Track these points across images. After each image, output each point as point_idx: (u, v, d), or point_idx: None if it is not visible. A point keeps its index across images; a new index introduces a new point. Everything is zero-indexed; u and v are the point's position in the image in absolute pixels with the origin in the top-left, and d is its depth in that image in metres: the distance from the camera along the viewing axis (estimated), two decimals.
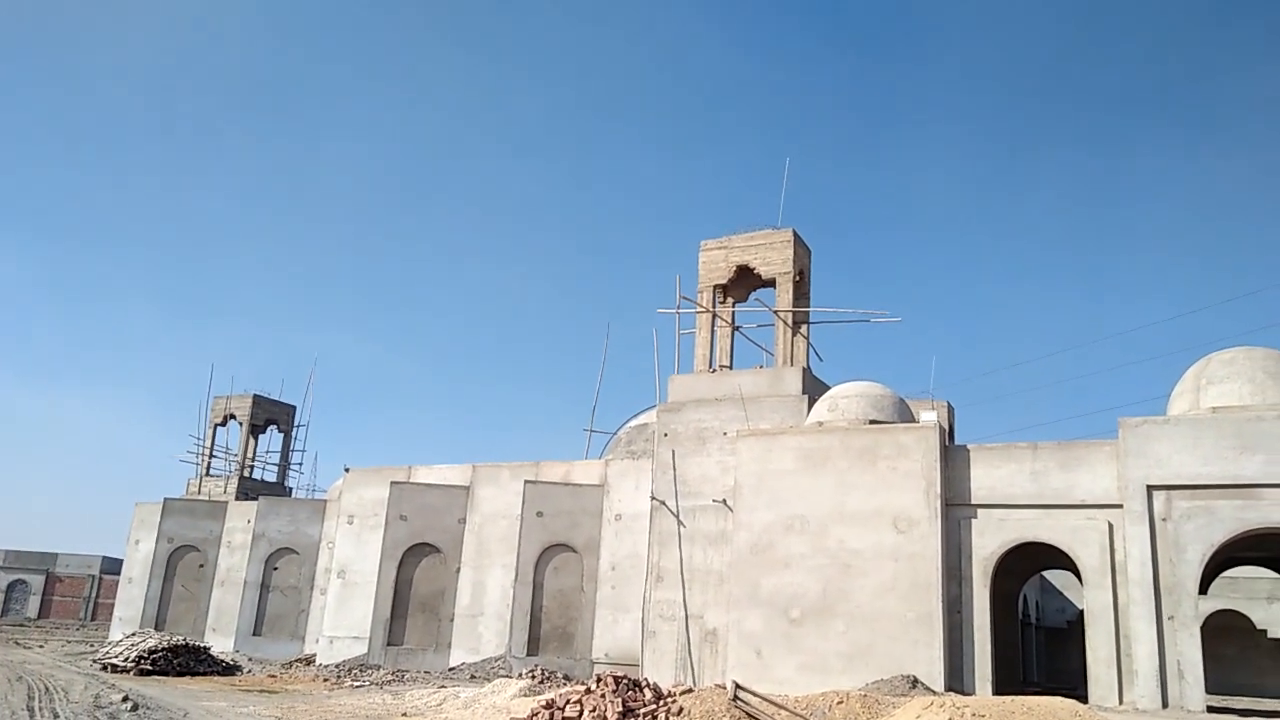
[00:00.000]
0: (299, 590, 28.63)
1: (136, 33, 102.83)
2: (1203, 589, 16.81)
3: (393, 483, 25.25)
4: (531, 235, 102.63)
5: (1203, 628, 16.34)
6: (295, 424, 40.27)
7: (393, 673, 22.62)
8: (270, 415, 39.90)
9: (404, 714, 16.06)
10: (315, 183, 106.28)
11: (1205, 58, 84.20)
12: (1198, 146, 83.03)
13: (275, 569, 28.95)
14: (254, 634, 28.38)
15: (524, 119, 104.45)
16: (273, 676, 23.01)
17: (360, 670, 22.88)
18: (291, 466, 40.08)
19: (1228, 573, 25.37)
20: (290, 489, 39.54)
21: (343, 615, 25.25)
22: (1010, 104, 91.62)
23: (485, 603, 24.03)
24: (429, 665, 23.59)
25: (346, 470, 27.43)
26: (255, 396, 39.20)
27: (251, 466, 39.24)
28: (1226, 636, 30.32)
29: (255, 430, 39.56)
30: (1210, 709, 16.16)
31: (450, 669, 23.26)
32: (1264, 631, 31.92)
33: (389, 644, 24.01)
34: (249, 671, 24.05)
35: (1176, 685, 15.99)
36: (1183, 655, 16.07)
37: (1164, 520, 16.70)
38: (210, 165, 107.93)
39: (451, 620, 24.26)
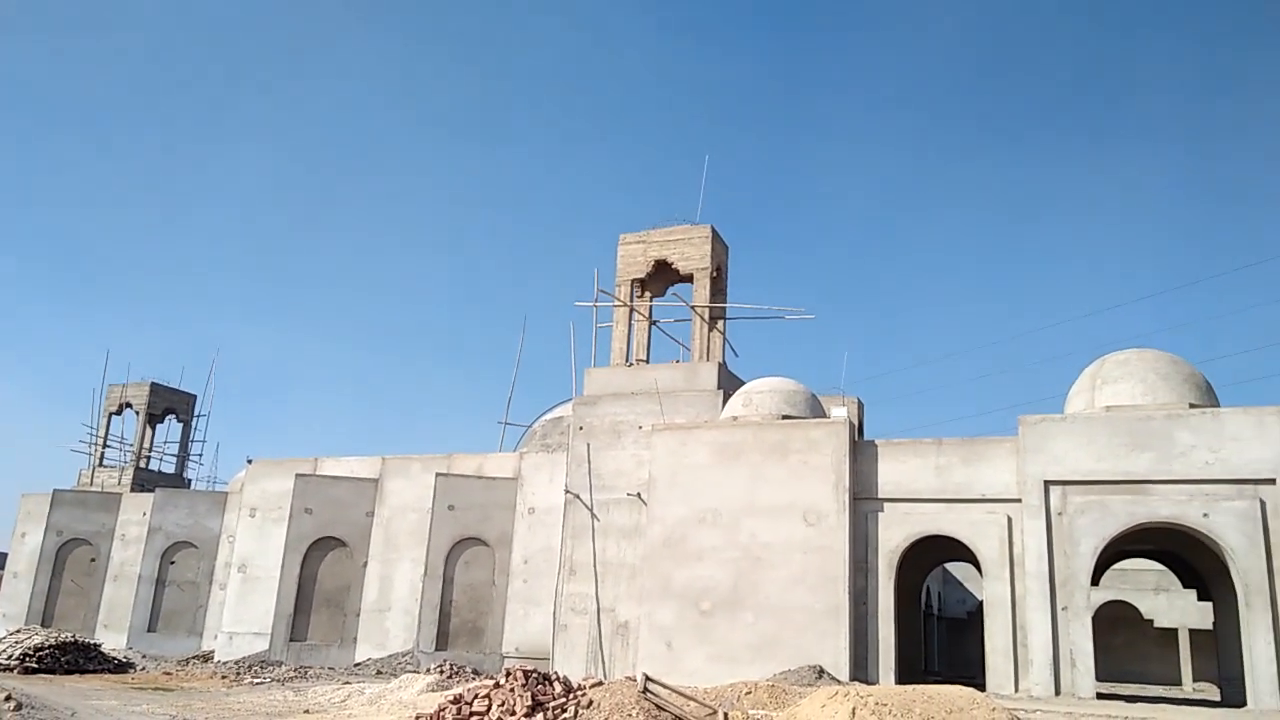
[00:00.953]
0: (197, 585, 27.65)
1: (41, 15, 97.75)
2: (1094, 581, 17.48)
3: (298, 475, 24.58)
4: (446, 223, 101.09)
5: (1094, 618, 17.00)
6: (195, 413, 38.86)
7: (295, 669, 22.04)
8: (169, 404, 38.43)
9: (306, 711, 15.65)
10: (216, 164, 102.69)
11: (1108, 69, 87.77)
12: (1098, 154, 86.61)
13: (172, 563, 27.89)
14: (149, 630, 27.30)
15: (440, 105, 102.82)
16: (168, 674, 22.18)
17: (261, 667, 22.23)
18: (191, 457, 38.68)
19: (1118, 565, 26.47)
20: (189, 481, 38.17)
21: (243, 610, 24.49)
22: (924, 107, 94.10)
23: (393, 597, 23.60)
24: (334, 661, 23.07)
25: (249, 462, 26.62)
26: (153, 384, 37.70)
27: (148, 457, 37.73)
28: (1116, 626, 31.72)
29: (153, 419, 38.07)
30: (1100, 695, 16.85)
31: (356, 665, 22.78)
32: (1151, 621, 33.50)
33: (292, 640, 23.39)
34: (143, 669, 23.15)
35: (1069, 673, 16.62)
36: (1075, 644, 16.71)
37: (1060, 514, 17.33)
38: (103, 146, 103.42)
39: (358, 615, 23.75)
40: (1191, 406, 17.28)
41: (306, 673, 21.70)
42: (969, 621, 33.65)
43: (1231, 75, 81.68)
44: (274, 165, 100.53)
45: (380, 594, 23.77)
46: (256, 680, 20.45)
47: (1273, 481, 16.15)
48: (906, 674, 18.86)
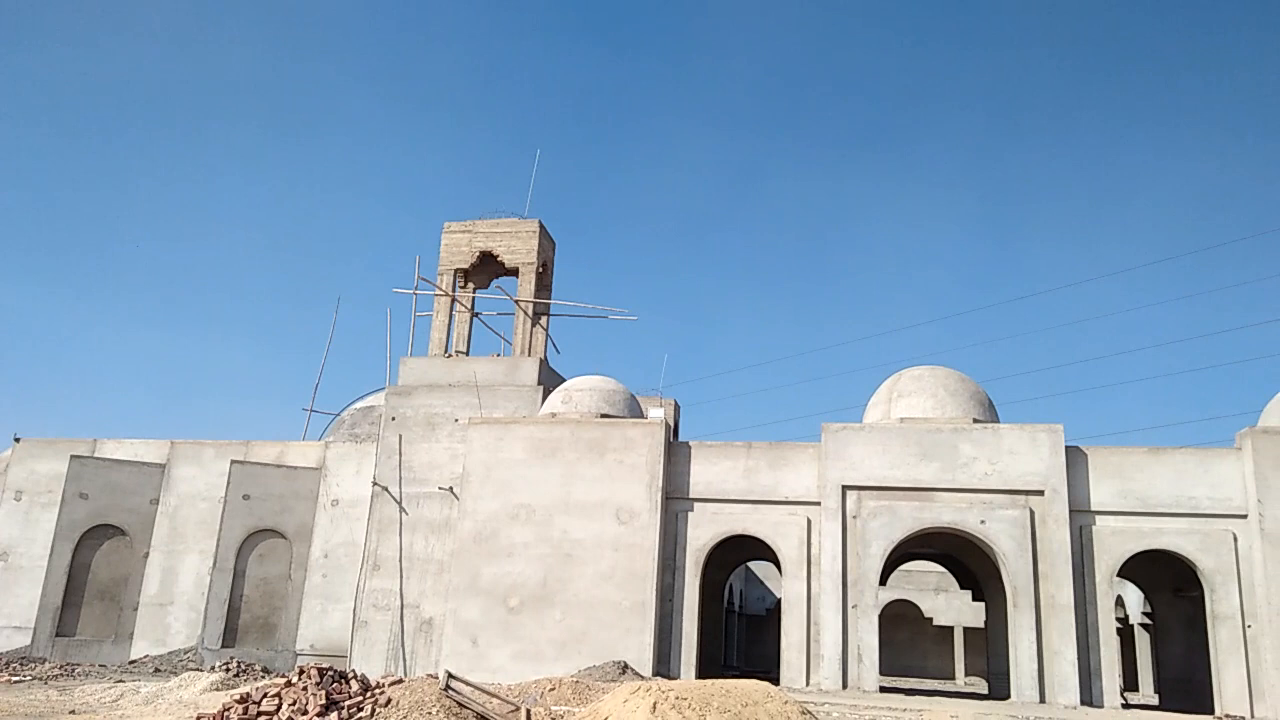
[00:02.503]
0: None
1: None
2: (882, 580, 18.60)
3: (73, 457, 22.56)
4: (258, 190, 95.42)
5: (880, 615, 18.08)
6: None
7: (62, 666, 20.19)
8: None
9: (73, 711, 14.35)
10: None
11: (918, 88, 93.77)
12: (909, 171, 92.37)
13: None
14: None
15: (259, 81, 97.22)
16: None
17: (22, 664, 20.22)
18: None
19: (903, 566, 28.30)
20: None
21: (3, 602, 22.25)
22: (747, 115, 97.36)
23: (176, 591, 22.07)
24: (106, 658, 21.33)
25: (16, 440, 24.19)
26: None
27: None
28: (899, 624, 33.92)
29: None
30: (883, 689, 17.93)
31: (131, 662, 21.15)
32: (930, 619, 36.02)
33: (58, 635, 21.43)
34: None
35: (856, 667, 17.60)
36: (862, 640, 17.71)
37: (854, 517, 18.33)
38: None
39: (135, 609, 22.06)
40: (975, 421, 18.68)
41: (74, 670, 19.94)
42: (768, 618, 35.10)
43: (1030, 102, 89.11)
44: (62, 118, 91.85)
45: (162, 587, 22.17)
46: (15, 678, 18.59)
47: (1041, 493, 17.71)
48: (707, 669, 19.42)
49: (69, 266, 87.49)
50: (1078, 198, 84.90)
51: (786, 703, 8.84)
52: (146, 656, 21.30)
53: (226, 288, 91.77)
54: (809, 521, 18.66)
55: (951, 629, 36.19)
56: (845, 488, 18.43)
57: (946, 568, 26.67)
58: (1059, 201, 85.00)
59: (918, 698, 17.79)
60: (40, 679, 18.70)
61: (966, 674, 35.36)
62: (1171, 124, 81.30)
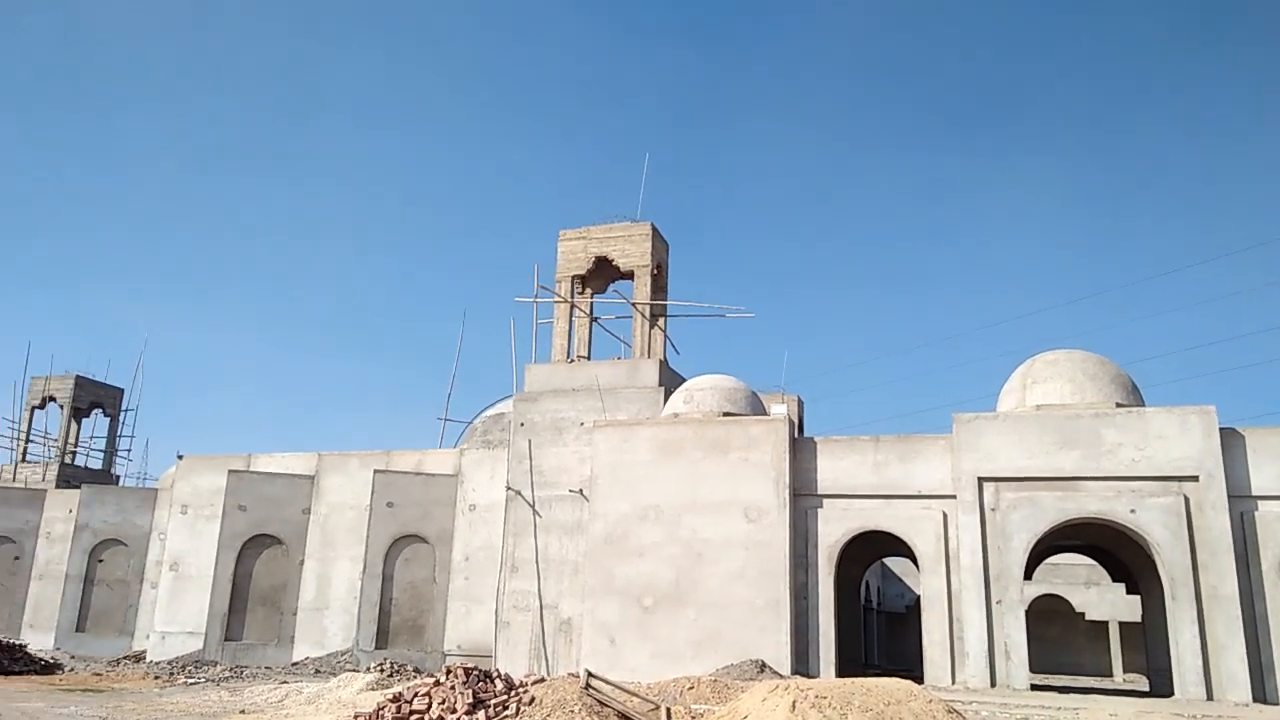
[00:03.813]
0: (127, 584, 26.91)
1: None
2: (1027, 575, 17.94)
3: (231, 471, 24.06)
4: (385, 216, 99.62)
5: (1027, 611, 17.46)
6: (123, 408, 37.75)
7: (231, 669, 21.58)
8: (95, 398, 37.30)
9: (242, 711, 15.34)
10: (145, 147, 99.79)
11: (1047, 59, 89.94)
12: (1031, 152, 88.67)
13: (101, 561, 27.09)
14: (77, 630, 26.50)
15: (380, 95, 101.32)
16: (98, 675, 21.55)
17: (195, 667, 21.72)
18: (119, 453, 37.55)
19: (1050, 560, 27.19)
20: (118, 477, 37.08)
21: (176, 610, 23.91)
22: (861, 102, 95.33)
23: (331, 596, 23.23)
24: (270, 660, 22.63)
25: (180, 457, 25.95)
26: (78, 377, 36.53)
27: (74, 452, 36.58)
28: (1049, 619, 32.56)
29: (78, 413, 36.91)
30: (1034, 687, 17.31)
31: (293, 664, 22.39)
32: (1082, 614, 34.46)
33: (227, 639, 22.88)
34: (71, 670, 22.45)
35: (1004, 665, 17.04)
36: (1009, 637, 17.13)
37: (993, 510, 17.75)
38: (23, 128, 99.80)
39: (294, 614, 23.33)
40: (1118, 406, 17.81)
41: (242, 672, 21.27)
42: (907, 615, 34.30)
43: (1162, 83, 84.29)
44: (202, 155, 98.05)
45: (318, 592, 23.38)
46: (190, 680, 19.98)
47: (1195, 479, 16.74)
48: (846, 667, 19.17)
49: (219, 295, 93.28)
50: (1210, 170, 79.72)
51: (931, 701, 8.67)
52: (307, 659, 22.50)
53: (364, 307, 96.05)
54: (944, 515, 18.19)
55: (1105, 624, 34.53)
56: (981, 479, 17.88)
57: (1096, 560, 25.47)
58: (1192, 174, 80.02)
59: (1073, 695, 17.09)
60: (212, 681, 20.03)
61: (1125, 671, 33.66)
62: None
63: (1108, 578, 28.58)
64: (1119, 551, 21.50)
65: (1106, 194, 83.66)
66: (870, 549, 21.64)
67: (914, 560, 18.77)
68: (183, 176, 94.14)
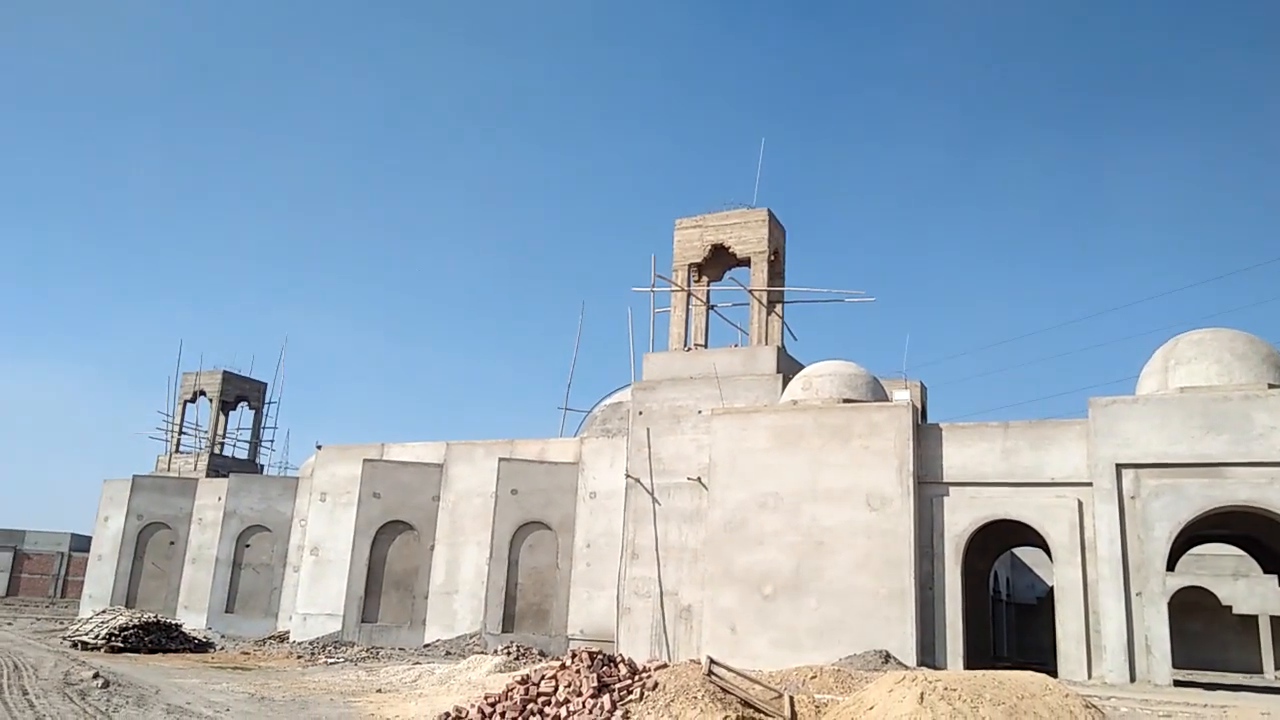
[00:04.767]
0: (271, 567, 28.47)
1: (108, 18, 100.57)
2: (1170, 566, 17.08)
3: (365, 460, 25.12)
4: (505, 211, 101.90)
5: (1170, 604, 16.62)
6: (266, 401, 39.93)
7: (367, 649, 22.59)
8: (240, 392, 39.51)
9: (379, 690, 16.05)
10: (283, 159, 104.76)
11: (1191, 37, 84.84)
12: (1174, 127, 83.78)
13: (247, 546, 28.74)
14: (226, 611, 28.21)
15: (497, 95, 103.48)
16: (246, 654, 22.90)
17: (334, 647, 22.82)
18: (263, 444, 39.76)
19: (1195, 550, 25.82)
20: (262, 466, 39.25)
21: (316, 592, 25.16)
22: (987, 79, 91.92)
23: (460, 580, 24.02)
24: (404, 642, 23.59)
25: (319, 447, 27.25)
26: (225, 373, 38.78)
27: (222, 444, 38.86)
28: (1193, 612, 30.88)
29: (225, 407, 39.17)
30: (1177, 683, 16.48)
31: (425, 646, 23.26)
32: (1229, 608, 32.55)
33: (363, 621, 23.96)
34: (222, 649, 23.92)
35: (1144, 660, 16.28)
36: (1150, 631, 16.35)
37: (1132, 498, 16.94)
38: (176, 143, 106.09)
39: (426, 597, 24.23)
40: (1270, 387, 16.73)
41: (378, 653, 22.23)
42: (1038, 607, 33.10)
43: None
44: (336, 156, 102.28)
45: (447, 576, 24.21)
46: (330, 660, 21.01)
47: None
48: (975, 659, 18.66)
49: (353, 292, 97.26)
50: None
51: (1068, 695, 8.37)
52: (438, 640, 23.36)
53: (486, 300, 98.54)
54: (1079, 504, 17.47)
55: (1255, 618, 32.51)
56: (1120, 466, 17.08)
57: (1246, 550, 24.04)
58: None
59: (1220, 693, 16.20)
60: (351, 661, 21.01)
61: (1277, 668, 31.65)
62: None
63: (1258, 569, 26.96)
64: (1272, 542, 20.22)
65: (1252, 165, 78.32)
66: (999, 539, 20.98)
67: (1046, 550, 18.11)
68: (318, 182, 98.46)
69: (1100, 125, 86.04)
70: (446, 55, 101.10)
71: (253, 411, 39.96)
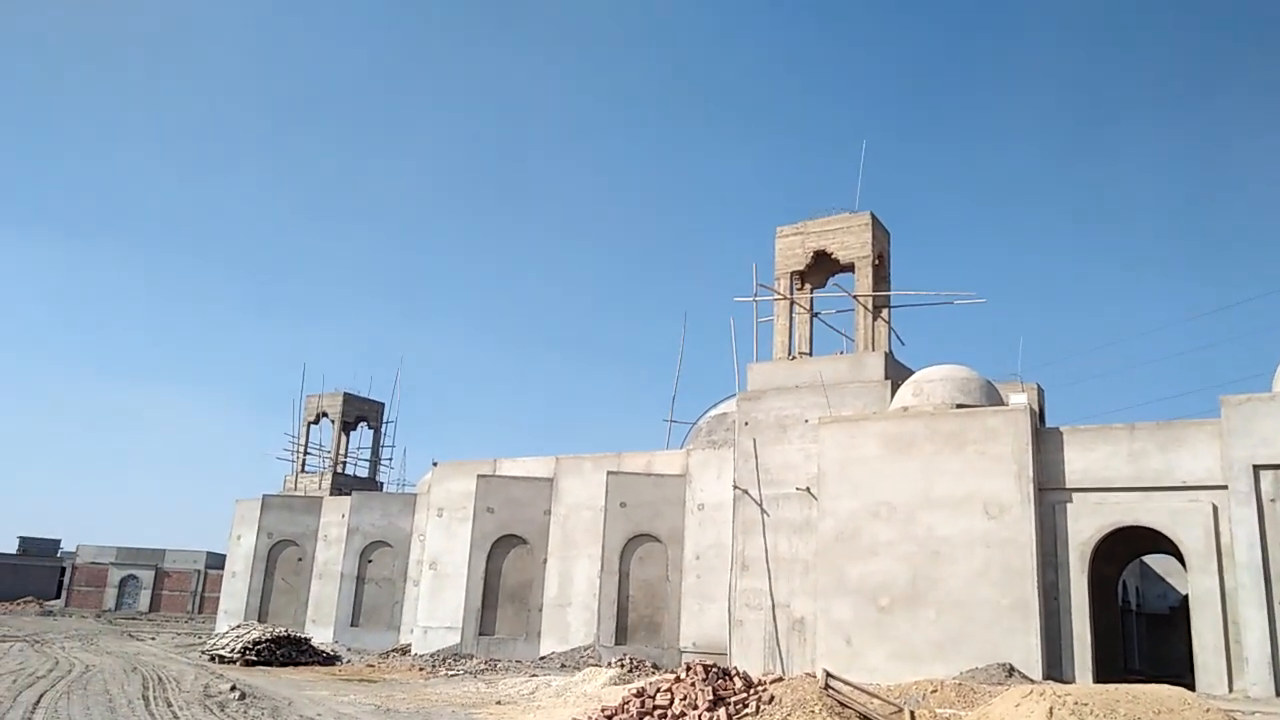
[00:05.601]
0: (393, 582, 29.39)
1: (232, 40, 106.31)
2: None
3: (479, 476, 25.71)
4: (609, 227, 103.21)
5: None
6: (384, 420, 41.32)
7: (485, 662, 23.07)
8: (360, 412, 40.99)
9: (498, 702, 16.39)
10: (392, 180, 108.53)
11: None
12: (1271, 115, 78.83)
13: (370, 561, 29.75)
14: (352, 625, 29.23)
15: (599, 105, 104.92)
16: (371, 666, 23.70)
17: (454, 659, 23.40)
18: (382, 462, 41.15)
19: None
20: (381, 484, 40.59)
21: (436, 606, 25.84)
22: (1096, 72, 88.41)
23: (572, 593, 24.32)
24: (520, 654, 24.00)
25: (435, 464, 28.04)
26: (345, 394, 40.30)
27: (344, 462, 40.36)
28: None
29: (346, 427, 40.69)
30: None
31: (541, 658, 23.61)
32: None
33: (481, 634, 24.49)
34: (348, 661, 24.81)
35: None
36: None
37: (1273, 501, 16.01)
38: (292, 170, 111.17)
39: (540, 610, 24.61)
40: None
41: (496, 665, 22.69)
42: (1171, 617, 31.46)
43: None
44: (439, 174, 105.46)
45: (560, 589, 24.54)
46: (451, 672, 21.56)
47: None
48: (1104, 673, 17.87)
49: (464, 313, 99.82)
50: None
51: (1208, 710, 7.97)
52: (553, 653, 23.69)
53: (591, 315, 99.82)
54: (1214, 508, 16.59)
55: None
56: (1257, 467, 16.15)
57: None
58: None
59: None
60: (470, 673, 21.52)
61: None
62: None
63: None
64: None
65: None
66: (1127, 546, 20.05)
67: (1178, 557, 17.26)
68: (429, 204, 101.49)
69: (1216, 119, 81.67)
70: (547, 67, 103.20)
71: (372, 431, 41.40)
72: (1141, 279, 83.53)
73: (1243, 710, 13.32)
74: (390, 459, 41.44)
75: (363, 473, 40.73)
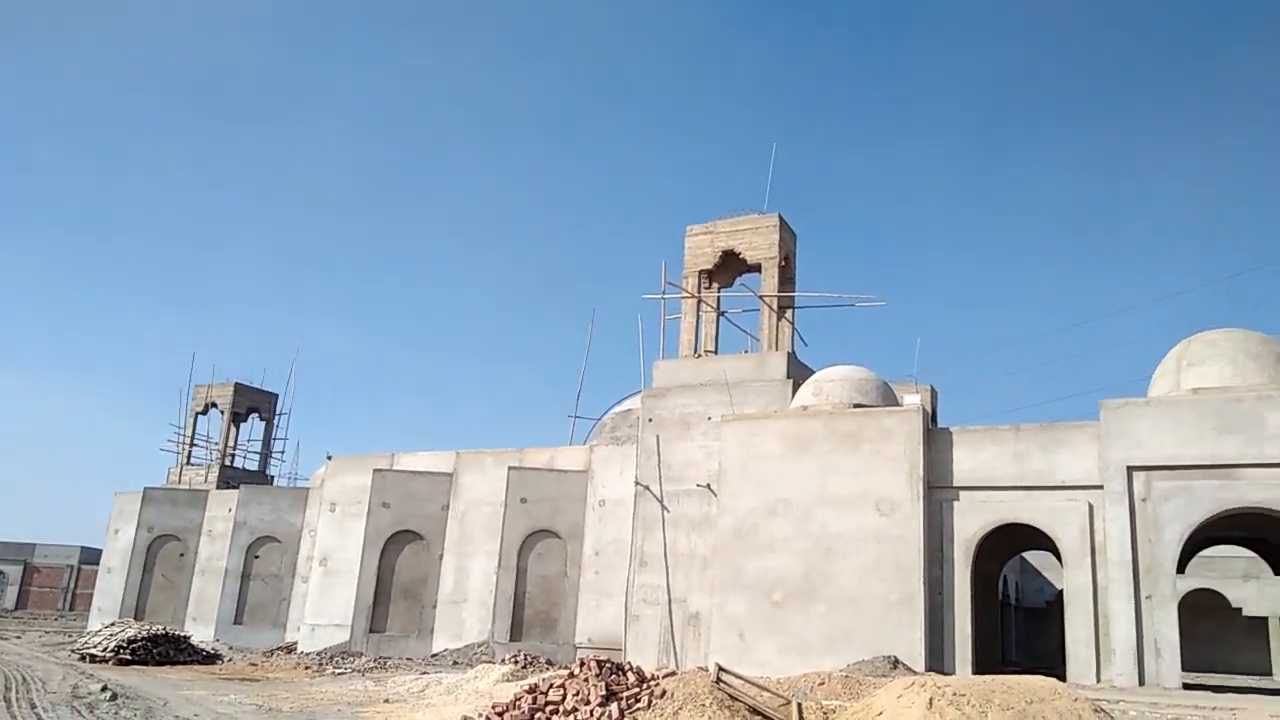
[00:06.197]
0: (280, 578, 28.49)
1: (115, 29, 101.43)
2: (1180, 568, 16.95)
3: (375, 470, 25.13)
4: (514, 220, 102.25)
5: (1180, 606, 16.48)
6: (277, 412, 39.99)
7: (375, 660, 22.56)
8: (252, 403, 39.61)
9: (386, 700, 16.01)
10: (293, 170, 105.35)
11: (1202, 38, 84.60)
12: (1186, 129, 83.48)
13: (257, 557, 28.78)
14: (235, 623, 28.24)
15: (506, 101, 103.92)
16: (254, 665, 22.88)
17: (342, 657, 22.81)
18: (273, 455, 39.81)
19: (1205, 552, 25.61)
20: (272, 477, 39.31)
21: (325, 603, 25.15)
22: (996, 82, 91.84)
23: (468, 589, 23.98)
24: (412, 652, 23.55)
25: (329, 458, 27.27)
26: (237, 385, 38.88)
27: (233, 455, 38.94)
28: (1203, 615, 30.64)
29: (237, 418, 39.27)
30: (1186, 686, 16.32)
31: (433, 655, 23.22)
32: (1239, 610, 32.30)
33: (371, 631, 23.94)
34: (230, 660, 23.92)
35: (1154, 663, 16.15)
36: (1160, 634, 16.22)
37: (1143, 501, 16.83)
38: (187, 154, 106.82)
39: (434, 607, 24.20)
40: None
41: (386, 663, 22.20)
42: (1047, 611, 32.92)
43: None
44: (342, 167, 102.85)
45: (456, 586, 24.18)
46: (338, 671, 20.98)
47: None
48: (984, 664, 18.54)
49: (363, 304, 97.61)
50: None
51: (1076, 700, 8.29)
52: (445, 650, 23.31)
53: (496, 310, 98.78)
54: (1090, 507, 17.36)
55: (1264, 620, 32.27)
56: (1131, 468, 16.96)
57: (1257, 552, 23.87)
58: None
59: (1229, 695, 16.01)
60: (358, 671, 20.98)
61: None
62: None
63: (1269, 571, 26.75)
64: None
65: (1265, 166, 78.02)
66: (1009, 543, 20.86)
67: (1056, 554, 17.99)
68: (328, 192, 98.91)
69: (1111, 126, 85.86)
70: (454, 62, 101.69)
71: (264, 423, 40.04)
72: (1034, 285, 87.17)
73: (1108, 699, 13.93)
74: (283, 452, 40.15)
75: (253, 466, 39.35)
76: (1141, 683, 16.03)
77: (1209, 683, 21.31)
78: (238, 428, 39.51)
